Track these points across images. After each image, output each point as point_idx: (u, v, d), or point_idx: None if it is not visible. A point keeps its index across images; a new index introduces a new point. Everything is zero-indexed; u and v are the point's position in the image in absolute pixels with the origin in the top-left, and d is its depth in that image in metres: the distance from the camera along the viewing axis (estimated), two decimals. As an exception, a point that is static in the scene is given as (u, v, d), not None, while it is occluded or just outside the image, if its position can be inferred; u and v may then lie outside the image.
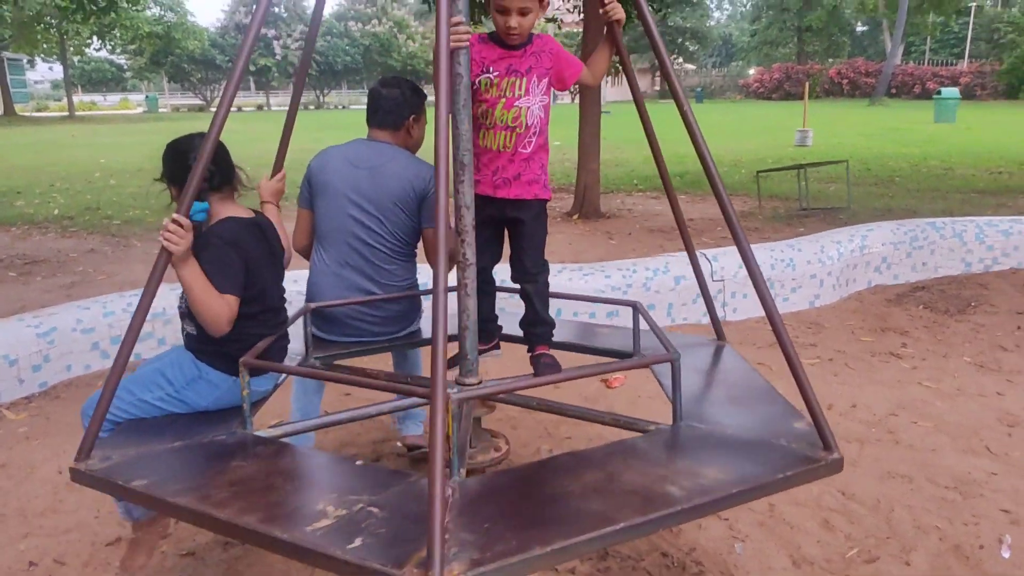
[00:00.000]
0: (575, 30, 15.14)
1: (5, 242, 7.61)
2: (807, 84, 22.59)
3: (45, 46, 36.23)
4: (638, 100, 2.44)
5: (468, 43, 1.93)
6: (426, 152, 2.15)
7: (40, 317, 4.10)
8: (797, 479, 1.73)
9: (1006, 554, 2.51)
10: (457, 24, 1.88)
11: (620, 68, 9.79)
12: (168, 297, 4.15)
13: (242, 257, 2.12)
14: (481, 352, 2.25)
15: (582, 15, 8.54)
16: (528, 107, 2.12)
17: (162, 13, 40.62)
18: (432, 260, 1.56)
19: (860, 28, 53.75)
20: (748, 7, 61.38)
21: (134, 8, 32.04)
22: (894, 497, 2.85)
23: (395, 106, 2.70)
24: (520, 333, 2.40)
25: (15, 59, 40.39)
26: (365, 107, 2.79)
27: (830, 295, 5.38)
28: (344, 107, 49.10)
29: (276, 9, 47.10)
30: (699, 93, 46.08)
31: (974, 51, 43.48)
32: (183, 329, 2.26)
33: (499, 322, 2.51)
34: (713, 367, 2.51)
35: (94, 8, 28.30)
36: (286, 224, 2.57)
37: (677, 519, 1.58)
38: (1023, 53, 37.25)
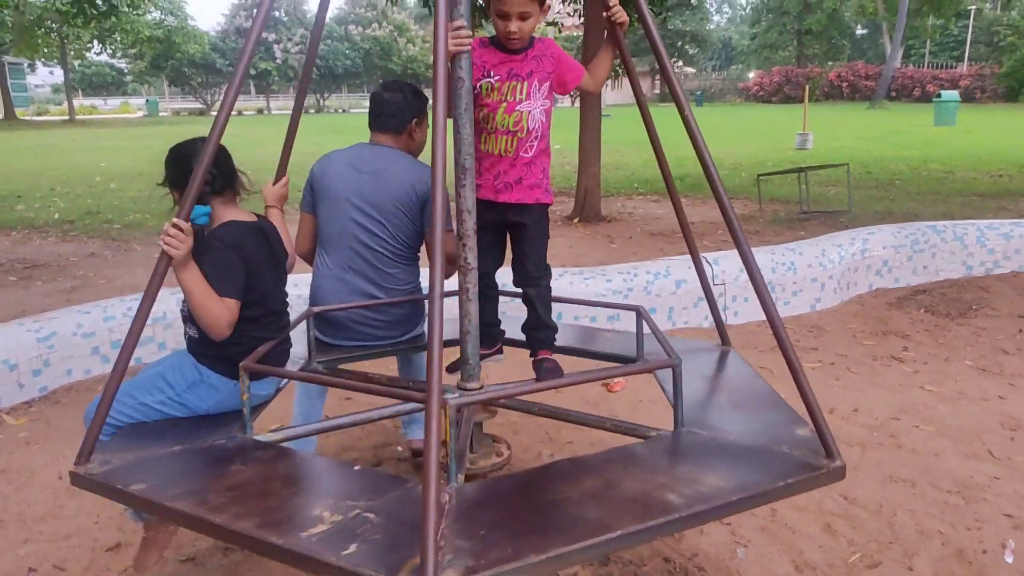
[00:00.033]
0: (575, 34, 15.13)
1: (5, 246, 7.60)
2: (807, 87, 22.62)
3: (46, 50, 36.33)
4: (641, 103, 2.42)
5: (470, 47, 1.92)
6: (428, 156, 2.15)
7: (40, 321, 4.10)
8: (799, 487, 1.72)
9: (1009, 559, 2.50)
10: (459, 28, 1.88)
11: (620, 71, 9.83)
12: (169, 301, 4.15)
13: (243, 260, 2.12)
14: (484, 356, 2.24)
15: (582, 19, 8.54)
16: (529, 111, 2.11)
17: (163, 17, 40.64)
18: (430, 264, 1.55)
19: (860, 31, 53.84)
20: (748, 10, 61.50)
21: (135, 12, 32.06)
22: (896, 501, 2.85)
23: (397, 110, 2.70)
24: (523, 337, 2.40)
25: (16, 63, 40.41)
26: (366, 111, 2.79)
27: (831, 298, 5.38)
28: (344, 111, 49.20)
29: (277, 13, 47.21)
30: (699, 96, 46.18)
31: (974, 54, 43.54)
32: (185, 332, 2.26)
33: (502, 326, 2.50)
34: (716, 372, 2.49)
35: (95, 12, 28.30)
36: (289, 228, 2.57)
37: (675, 527, 1.56)
38: (1023, 56, 37.29)
